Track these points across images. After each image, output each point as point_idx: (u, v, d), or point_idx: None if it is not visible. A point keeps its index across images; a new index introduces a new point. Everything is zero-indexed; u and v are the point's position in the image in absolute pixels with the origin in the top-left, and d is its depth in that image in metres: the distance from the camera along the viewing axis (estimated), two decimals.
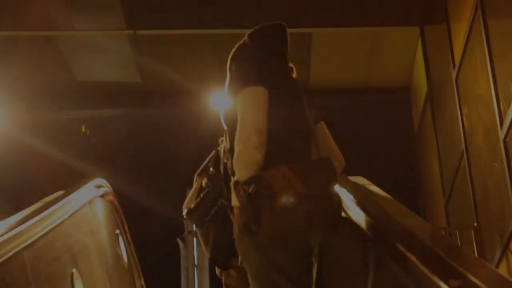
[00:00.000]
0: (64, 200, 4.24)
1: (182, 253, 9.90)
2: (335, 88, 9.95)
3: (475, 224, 6.64)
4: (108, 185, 5.47)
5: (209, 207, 3.64)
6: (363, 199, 3.46)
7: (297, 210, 2.94)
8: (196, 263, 9.77)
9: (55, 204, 4.07)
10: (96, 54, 9.44)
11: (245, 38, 3.42)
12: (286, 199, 2.95)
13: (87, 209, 4.68)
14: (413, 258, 2.30)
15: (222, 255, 3.65)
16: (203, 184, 3.69)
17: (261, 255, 2.99)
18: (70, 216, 4.22)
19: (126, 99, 10.15)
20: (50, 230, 3.72)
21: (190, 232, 9.93)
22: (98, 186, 5.23)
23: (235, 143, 3.09)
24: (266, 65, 3.30)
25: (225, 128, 3.29)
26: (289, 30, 3.58)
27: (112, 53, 9.44)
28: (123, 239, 5.76)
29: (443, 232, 6.31)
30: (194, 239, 9.69)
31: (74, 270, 3.91)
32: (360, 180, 4.67)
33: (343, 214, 3.40)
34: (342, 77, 9.94)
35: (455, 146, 7.54)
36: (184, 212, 3.76)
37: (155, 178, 10.31)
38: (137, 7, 8.55)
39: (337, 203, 3.14)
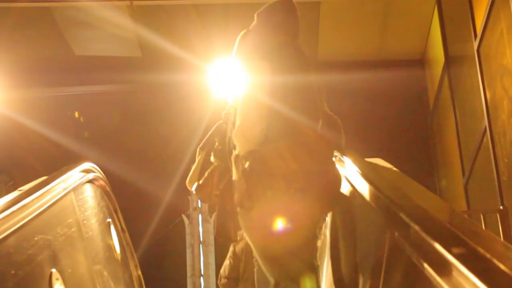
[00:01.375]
0: (44, 189, 3.70)
1: (187, 229, 9.88)
2: (345, 61, 9.59)
3: (501, 207, 6.09)
4: (98, 169, 4.93)
5: (217, 182, 3.65)
6: (378, 180, 3.19)
7: (289, 188, 3.00)
8: (201, 239, 9.74)
9: (33, 193, 3.53)
10: (96, 29, 9.22)
11: (255, 18, 3.48)
12: (279, 176, 3.00)
13: (71, 197, 4.14)
14: (437, 244, 1.99)
15: (226, 229, 3.64)
16: (211, 159, 3.71)
17: (262, 229, 3.05)
18: (50, 207, 3.69)
19: (126, 74, 9.89)
20: (24, 225, 3.18)
21: (195, 209, 9.95)
22: (86, 171, 4.68)
23: (236, 117, 3.17)
24: (273, 41, 3.34)
25: (232, 102, 3.42)
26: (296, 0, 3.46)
27: (112, 27, 9.17)
28: (115, 227, 5.24)
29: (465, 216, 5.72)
30: (199, 215, 9.74)
31: (53, 270, 3.38)
32: (378, 162, 4.25)
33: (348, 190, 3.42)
34: (352, 49, 9.57)
35: (476, 122, 7.02)
36: (193, 187, 3.80)
37: (156, 155, 10.13)
38: None
39: (334, 179, 3.22)
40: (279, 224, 3.05)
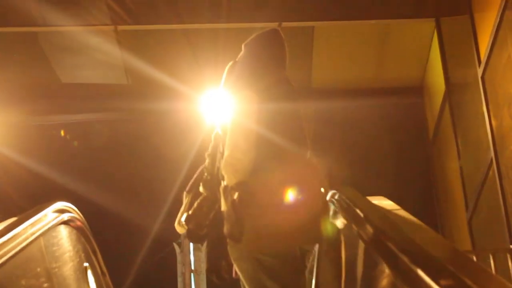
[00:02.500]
0: (6, 236, 3.25)
1: (179, 258, 9.69)
2: (340, 89, 9.27)
3: (511, 246, 5.68)
4: (74, 208, 4.48)
5: (206, 212, 3.63)
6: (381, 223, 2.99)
7: (278, 218, 3.03)
8: (192, 268, 9.61)
9: None
10: (82, 55, 8.98)
11: (242, 48, 3.50)
12: (268, 207, 3.04)
13: (40, 243, 3.68)
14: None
15: (217, 266, 3.62)
16: (200, 189, 3.70)
17: (251, 260, 3.08)
18: (13, 257, 3.23)
19: (114, 102, 9.63)
20: None
21: (186, 237, 9.22)
22: (60, 211, 4.23)
23: (225, 147, 3.18)
24: (260, 71, 3.38)
25: (220, 132, 3.36)
26: (288, 24, 3.84)
27: (98, 54, 8.92)
28: (94, 272, 4.78)
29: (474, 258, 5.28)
30: (191, 244, 9.62)
31: None
32: (381, 201, 3.79)
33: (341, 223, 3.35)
34: (347, 77, 9.25)
35: (481, 154, 6.65)
36: (183, 218, 3.76)
37: (145, 183, 10.04)
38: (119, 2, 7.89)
39: (322, 209, 3.24)
40: (268, 253, 3.09)
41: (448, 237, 7.66)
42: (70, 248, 4.39)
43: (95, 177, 9.59)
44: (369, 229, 3.03)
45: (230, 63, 3.58)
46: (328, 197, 3.77)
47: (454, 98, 7.78)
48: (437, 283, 1.85)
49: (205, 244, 3.88)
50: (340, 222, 3.50)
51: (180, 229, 3.96)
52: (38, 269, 3.61)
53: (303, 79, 8.72)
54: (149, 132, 9.90)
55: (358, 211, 3.28)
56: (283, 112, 3.30)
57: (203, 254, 9.32)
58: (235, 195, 3.08)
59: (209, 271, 3.81)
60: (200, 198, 3.66)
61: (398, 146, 9.26)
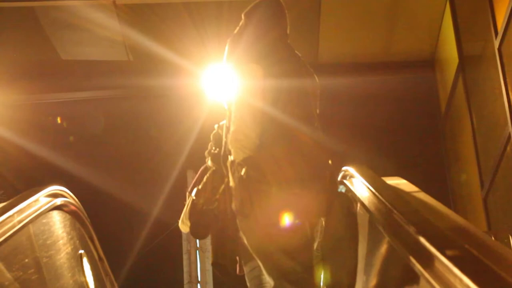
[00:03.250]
0: None
1: (184, 235, 9.81)
2: (348, 64, 8.98)
3: None
4: (69, 192, 4.29)
5: (216, 186, 3.66)
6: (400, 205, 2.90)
7: (286, 193, 3.03)
8: (198, 245, 9.75)
9: None
10: (81, 31, 8.80)
11: (242, 20, 3.44)
12: (275, 183, 3.02)
13: (28, 231, 3.40)
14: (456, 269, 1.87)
15: (223, 259, 3.67)
16: (208, 163, 3.72)
17: (260, 234, 3.08)
18: None
19: (113, 79, 9.43)
20: None
21: None
22: (53, 195, 4.02)
23: (231, 123, 3.15)
24: (264, 43, 3.33)
25: (226, 107, 3.33)
26: None
27: (98, 29, 8.73)
28: (91, 258, 4.53)
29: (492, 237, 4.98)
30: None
31: None
32: (399, 182, 3.60)
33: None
34: (356, 51, 8.94)
35: (497, 129, 6.37)
36: (193, 192, 3.78)
37: (149, 161, 10.08)
38: None
39: (330, 183, 3.23)
40: (277, 227, 3.09)
41: (462, 217, 7.32)
42: (64, 235, 4.17)
43: (95, 157, 9.65)
44: (385, 211, 2.91)
45: (232, 35, 3.52)
46: (340, 175, 3.79)
47: (468, 72, 7.47)
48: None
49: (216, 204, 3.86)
50: (352, 201, 3.48)
51: (184, 227, 4.04)
52: (26, 260, 3.34)
53: (309, 54, 8.45)
54: (150, 110, 9.87)
55: (373, 191, 3.16)
56: (290, 88, 3.24)
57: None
58: (243, 171, 3.06)
59: (214, 265, 3.82)
60: (209, 172, 3.71)
61: (408, 122, 9.15)
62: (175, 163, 9.43)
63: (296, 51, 3.48)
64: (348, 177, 3.75)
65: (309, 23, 8.26)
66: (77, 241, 4.34)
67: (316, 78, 3.51)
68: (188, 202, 3.87)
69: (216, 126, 4.03)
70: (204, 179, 3.79)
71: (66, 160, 9.31)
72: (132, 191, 9.46)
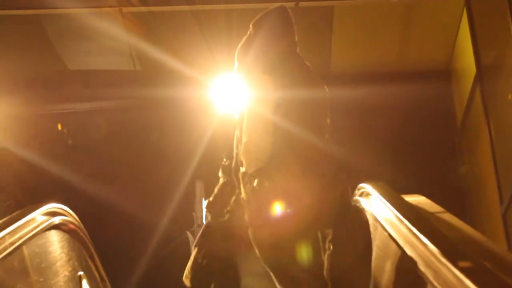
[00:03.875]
0: None
1: (192, 248, 9.22)
2: (361, 73, 8.90)
3: None
4: (67, 210, 4.07)
5: (227, 198, 3.64)
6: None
7: (298, 204, 3.04)
8: None
9: None
10: (87, 40, 8.80)
11: (250, 30, 3.44)
12: (288, 194, 3.05)
13: (22, 253, 3.17)
14: None
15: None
16: (219, 174, 3.70)
17: (272, 246, 3.08)
18: None
19: (120, 89, 9.47)
20: None
21: (199, 225, 9.42)
22: (51, 214, 3.82)
23: (243, 134, 3.20)
24: (274, 52, 3.35)
25: (237, 117, 3.35)
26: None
27: (104, 38, 8.73)
28: (91, 279, 4.31)
29: None
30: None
31: None
32: (420, 200, 3.49)
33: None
34: (369, 60, 8.90)
35: None
36: (204, 204, 4.20)
37: (157, 172, 9.72)
38: None
39: (341, 194, 3.23)
40: (290, 237, 3.13)
41: (480, 233, 7.07)
42: (62, 256, 3.97)
43: (101, 169, 9.45)
44: (406, 233, 2.74)
45: (240, 45, 3.53)
46: (356, 193, 3.65)
47: (486, 82, 7.29)
48: None
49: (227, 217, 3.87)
50: (365, 219, 3.39)
51: (187, 281, 4.03)
52: (18, 286, 3.10)
53: (322, 65, 8.42)
54: (158, 120, 9.71)
55: (392, 210, 2.99)
56: (301, 99, 3.26)
57: None
58: (255, 182, 3.09)
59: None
60: (220, 183, 3.68)
61: (422, 134, 8.88)
62: (183, 174, 9.29)
63: (305, 61, 3.49)
64: (364, 195, 3.57)
65: (321, 33, 8.16)
66: (76, 262, 4.11)
67: (326, 88, 3.50)
68: (193, 256, 3.90)
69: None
70: (215, 191, 3.77)
71: (71, 172, 9.17)
72: (139, 203, 9.25)
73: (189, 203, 9.42)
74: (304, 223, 3.12)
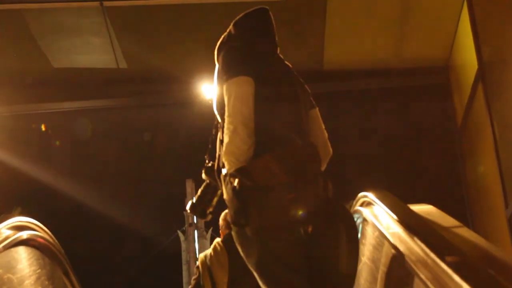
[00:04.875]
0: None
1: (183, 246, 10.06)
2: (356, 70, 8.72)
3: None
4: (37, 223, 3.78)
5: (210, 199, 3.71)
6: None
7: (281, 200, 3.06)
8: (197, 256, 9.29)
9: None
10: (70, 37, 8.66)
11: (230, 27, 3.51)
12: (269, 190, 3.06)
13: None
14: None
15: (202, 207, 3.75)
16: (202, 176, 3.77)
17: (258, 246, 3.09)
18: None
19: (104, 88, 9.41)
20: None
21: (190, 225, 10.18)
22: (17, 228, 3.52)
23: (224, 135, 3.23)
24: (253, 53, 3.39)
25: (218, 118, 3.43)
26: None
27: (86, 35, 8.63)
28: None
29: None
30: (195, 231, 10.03)
31: None
32: (428, 210, 3.23)
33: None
34: (364, 56, 8.65)
35: None
36: (187, 206, 3.85)
37: (148, 173, 10.01)
38: None
39: (324, 188, 3.24)
40: (274, 236, 3.11)
41: (484, 238, 6.76)
42: (30, 274, 3.57)
43: (85, 173, 9.53)
44: (417, 248, 2.57)
45: (219, 43, 3.51)
46: (356, 202, 3.72)
47: (488, 78, 7.04)
48: None
49: (209, 232, 4.22)
50: (370, 233, 3.38)
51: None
52: None
53: (314, 60, 8.35)
54: (145, 120, 9.78)
55: (399, 222, 2.86)
56: (280, 95, 3.33)
57: (208, 242, 9.67)
58: (235, 182, 3.11)
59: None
60: (203, 185, 3.72)
61: (420, 135, 8.79)
62: (173, 173, 9.49)
63: (286, 62, 3.53)
64: (365, 204, 3.47)
65: (313, 27, 8.04)
66: (47, 281, 3.70)
67: (308, 88, 3.52)
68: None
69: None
70: (198, 192, 3.80)
71: (56, 174, 9.25)
72: (128, 203, 9.52)
73: (180, 202, 9.69)
74: (287, 220, 3.09)
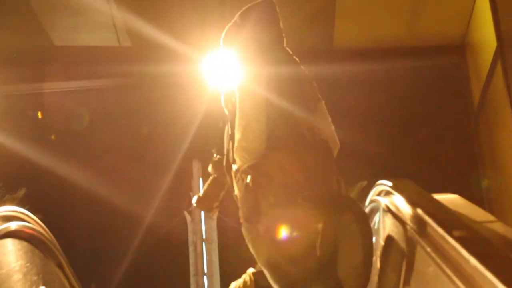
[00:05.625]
0: None
1: (190, 227, 9.87)
2: (367, 48, 8.56)
3: None
4: (27, 213, 3.63)
5: (217, 194, 3.71)
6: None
7: (295, 198, 3.05)
8: (204, 237, 9.65)
9: None
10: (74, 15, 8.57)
11: (237, 19, 3.53)
12: (283, 187, 3.08)
13: None
14: None
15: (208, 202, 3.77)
16: (209, 170, 3.78)
17: (269, 244, 3.10)
18: None
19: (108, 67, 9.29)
20: None
21: None
22: (5, 219, 3.41)
23: (235, 130, 3.28)
24: (263, 50, 3.40)
25: (227, 113, 3.44)
26: None
27: (95, 13, 8.56)
28: None
29: None
30: (202, 212, 9.76)
31: None
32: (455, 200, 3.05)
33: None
34: (376, 33, 8.52)
35: None
36: (193, 200, 3.88)
37: (151, 152, 9.91)
38: None
39: (338, 184, 3.22)
40: (285, 233, 3.11)
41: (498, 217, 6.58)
42: (19, 268, 3.35)
43: (83, 155, 9.40)
44: (443, 239, 2.37)
45: (225, 32, 3.58)
46: (373, 192, 3.63)
47: (509, 56, 6.87)
48: None
49: (216, 212, 4.04)
50: (388, 227, 3.29)
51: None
52: None
53: (323, 37, 8.21)
54: (150, 99, 9.62)
55: (422, 213, 2.63)
56: (291, 92, 3.32)
57: (214, 223, 9.57)
58: (248, 178, 3.13)
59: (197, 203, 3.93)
60: (210, 179, 3.74)
61: (435, 117, 8.56)
62: (179, 153, 9.47)
63: (294, 56, 3.54)
64: (383, 194, 3.30)
65: (323, 2, 7.92)
66: (35, 276, 3.47)
67: (315, 83, 3.51)
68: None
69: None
70: (205, 186, 3.84)
71: (56, 157, 9.07)
72: (135, 184, 9.53)
73: (187, 183, 9.58)
74: (301, 216, 3.11)
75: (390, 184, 3.12)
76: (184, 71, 8.85)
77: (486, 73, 7.60)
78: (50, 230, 3.73)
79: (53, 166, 9.04)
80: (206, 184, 3.85)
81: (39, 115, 9.87)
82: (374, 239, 3.45)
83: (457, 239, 2.27)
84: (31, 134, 9.27)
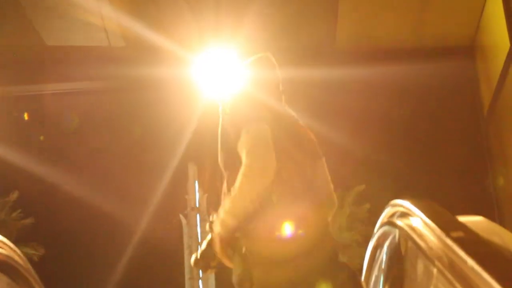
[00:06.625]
0: None
1: (185, 230, 10.12)
2: (372, 49, 8.57)
3: None
4: (3, 240, 3.17)
5: (214, 254, 3.59)
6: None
7: (288, 262, 3.09)
8: (199, 240, 9.86)
9: None
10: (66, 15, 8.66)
11: (238, 71, 3.62)
12: (275, 251, 3.12)
13: None
14: None
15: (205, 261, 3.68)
16: (207, 228, 3.69)
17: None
18: None
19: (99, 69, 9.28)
20: None
21: (192, 209, 10.29)
22: None
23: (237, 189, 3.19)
24: (265, 100, 3.45)
25: (224, 170, 3.43)
26: None
27: (88, 14, 8.67)
28: None
29: None
30: (197, 215, 10.11)
31: None
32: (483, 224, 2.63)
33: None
34: (381, 34, 8.57)
35: None
36: (191, 259, 3.75)
37: (146, 155, 10.14)
38: None
39: (331, 249, 3.26)
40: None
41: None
42: None
43: (75, 157, 9.49)
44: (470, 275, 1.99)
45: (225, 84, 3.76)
46: (385, 214, 3.36)
47: None
48: None
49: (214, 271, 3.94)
50: (408, 255, 2.98)
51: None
52: None
53: (326, 38, 8.11)
54: (143, 101, 9.79)
55: (453, 245, 2.25)
56: (291, 149, 3.28)
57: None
58: (243, 249, 3.20)
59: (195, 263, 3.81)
60: (208, 238, 3.68)
61: (441, 122, 8.56)
62: (175, 157, 9.55)
63: (291, 112, 3.52)
64: (397, 216, 2.99)
65: (326, 2, 7.80)
66: None
67: (314, 137, 3.45)
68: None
69: None
70: (202, 246, 3.73)
71: (49, 160, 9.16)
72: (131, 185, 9.74)
73: (182, 186, 9.72)
74: (293, 283, 3.10)
75: (409, 205, 2.74)
76: (178, 73, 8.86)
77: (498, 78, 7.46)
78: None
79: (45, 170, 9.03)
80: (204, 243, 3.72)
81: (25, 116, 9.92)
82: (385, 266, 3.33)
83: (497, 277, 1.88)
84: (21, 136, 9.31)
